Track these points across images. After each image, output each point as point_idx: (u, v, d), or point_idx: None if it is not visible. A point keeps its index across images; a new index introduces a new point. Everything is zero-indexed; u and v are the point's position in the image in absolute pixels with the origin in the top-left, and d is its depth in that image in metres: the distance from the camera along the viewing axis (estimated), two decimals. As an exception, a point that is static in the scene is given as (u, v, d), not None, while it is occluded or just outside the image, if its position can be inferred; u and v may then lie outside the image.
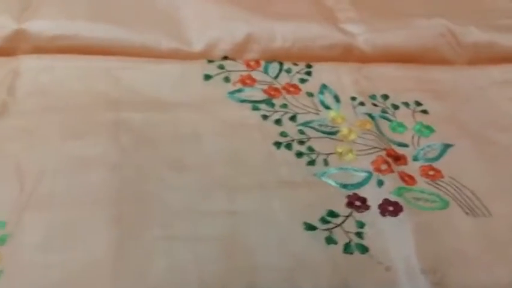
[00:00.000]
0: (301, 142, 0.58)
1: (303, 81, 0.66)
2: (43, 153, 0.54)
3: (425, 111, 0.63)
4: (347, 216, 0.51)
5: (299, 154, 0.57)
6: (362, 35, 0.70)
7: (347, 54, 0.70)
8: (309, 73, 0.67)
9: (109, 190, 0.51)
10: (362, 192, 0.53)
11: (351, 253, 0.48)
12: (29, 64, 0.63)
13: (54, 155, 0.54)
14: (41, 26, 0.66)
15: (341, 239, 0.49)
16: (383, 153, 0.57)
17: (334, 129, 0.60)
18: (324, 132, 0.59)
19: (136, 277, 0.45)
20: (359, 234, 0.49)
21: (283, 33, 0.69)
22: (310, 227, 0.49)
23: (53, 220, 0.48)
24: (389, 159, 0.56)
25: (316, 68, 0.67)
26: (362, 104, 0.63)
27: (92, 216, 0.49)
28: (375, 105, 0.63)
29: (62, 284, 0.44)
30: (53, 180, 0.51)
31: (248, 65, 0.67)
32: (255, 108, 0.62)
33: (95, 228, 0.48)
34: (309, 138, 0.58)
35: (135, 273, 0.45)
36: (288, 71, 0.67)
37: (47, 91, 0.61)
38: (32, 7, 0.68)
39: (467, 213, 0.52)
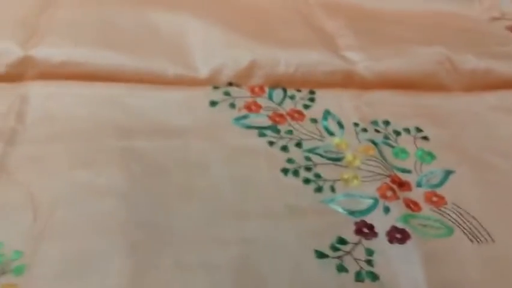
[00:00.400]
0: (308, 169, 0.59)
1: (306, 107, 0.67)
2: (54, 182, 0.54)
3: (425, 138, 0.65)
4: (356, 244, 0.52)
5: (306, 181, 0.58)
6: (362, 62, 0.72)
7: (348, 80, 0.71)
8: (312, 99, 0.68)
9: (120, 219, 0.52)
10: (369, 219, 0.54)
11: (362, 281, 0.49)
12: (36, 90, 0.64)
13: (65, 184, 0.54)
14: (48, 52, 0.67)
15: (352, 267, 0.50)
16: (388, 179, 0.59)
17: (339, 156, 0.61)
18: (329, 159, 0.61)
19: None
20: (369, 262, 0.50)
21: (287, 59, 0.71)
22: (321, 255, 0.50)
23: (68, 250, 0.48)
24: (394, 186, 0.58)
25: (319, 94, 0.69)
26: (364, 130, 0.65)
27: (105, 246, 0.49)
28: (377, 131, 0.65)
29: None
30: (66, 209, 0.52)
31: (253, 91, 0.68)
32: (261, 135, 0.63)
33: (109, 258, 0.48)
34: (315, 165, 0.60)
35: (150, 303, 0.46)
36: (292, 97, 0.68)
37: (55, 118, 0.61)
38: (39, 34, 0.69)
39: (471, 240, 0.53)
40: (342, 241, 0.52)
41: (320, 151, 0.62)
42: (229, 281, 0.48)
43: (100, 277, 0.47)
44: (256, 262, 0.50)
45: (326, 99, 0.68)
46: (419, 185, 0.59)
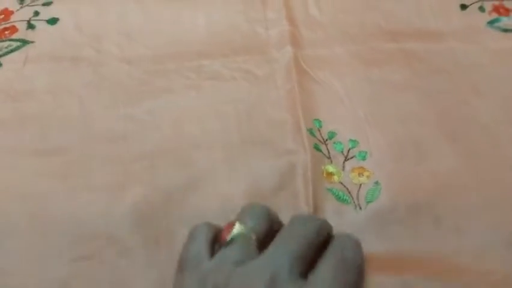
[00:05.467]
0: None
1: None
2: (354, 80, 0.58)
3: None
4: None
5: None
6: None
7: None
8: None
9: (422, 111, 0.55)
10: None
11: None
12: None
13: (363, 81, 0.58)
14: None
15: None
16: None
17: None
18: None
19: None
20: None
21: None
22: None
23: (392, 136, 0.53)
24: None
25: None
26: None
27: (425, 133, 0.53)
28: None
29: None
30: (375, 102, 0.56)
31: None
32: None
33: (434, 144, 0.52)
34: None
35: None
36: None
37: (321, 23, 0.65)
38: None
39: None
40: None
41: None
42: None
43: (436, 161, 0.51)
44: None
45: None
46: None
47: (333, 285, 0.31)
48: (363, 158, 0.51)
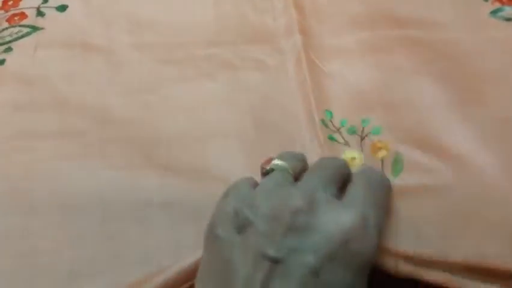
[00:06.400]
0: None
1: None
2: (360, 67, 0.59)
3: None
4: None
5: None
6: None
7: None
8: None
9: (435, 97, 0.56)
10: None
11: None
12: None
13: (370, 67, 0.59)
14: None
15: None
16: None
17: None
18: None
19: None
20: None
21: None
22: None
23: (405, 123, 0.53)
24: None
25: None
26: None
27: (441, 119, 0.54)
28: None
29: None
30: (385, 90, 0.56)
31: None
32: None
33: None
34: None
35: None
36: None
37: (327, 12, 0.65)
38: None
39: None
40: None
41: None
42: None
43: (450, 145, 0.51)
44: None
45: None
46: None
47: (364, 201, 0.36)
48: (378, 132, 0.52)
